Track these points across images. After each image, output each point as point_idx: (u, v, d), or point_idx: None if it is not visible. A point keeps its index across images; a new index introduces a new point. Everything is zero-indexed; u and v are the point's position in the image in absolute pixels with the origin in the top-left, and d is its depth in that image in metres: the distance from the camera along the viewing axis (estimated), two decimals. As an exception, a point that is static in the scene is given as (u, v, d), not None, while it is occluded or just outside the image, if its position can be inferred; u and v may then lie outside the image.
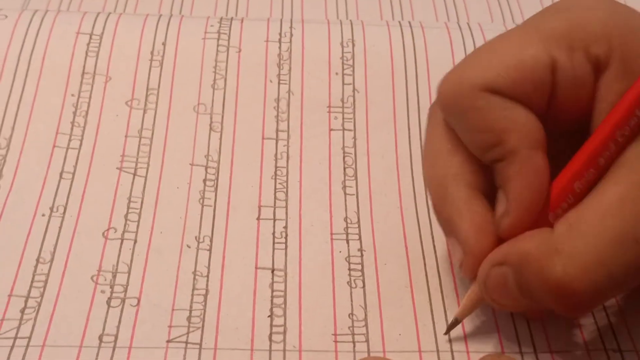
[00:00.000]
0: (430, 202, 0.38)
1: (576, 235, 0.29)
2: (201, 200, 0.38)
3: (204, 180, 0.39)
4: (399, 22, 0.46)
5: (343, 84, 0.43)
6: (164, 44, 0.44)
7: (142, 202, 0.38)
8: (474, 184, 0.33)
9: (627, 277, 0.29)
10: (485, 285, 0.32)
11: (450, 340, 0.34)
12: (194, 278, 0.35)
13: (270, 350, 0.33)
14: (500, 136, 0.31)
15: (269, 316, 0.34)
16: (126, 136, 0.40)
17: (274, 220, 0.37)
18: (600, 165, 0.30)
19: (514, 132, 0.31)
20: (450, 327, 0.34)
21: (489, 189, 0.33)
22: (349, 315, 0.34)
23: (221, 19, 0.45)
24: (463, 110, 0.31)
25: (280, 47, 0.44)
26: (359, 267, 0.36)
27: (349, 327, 0.34)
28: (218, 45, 0.44)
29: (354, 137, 0.41)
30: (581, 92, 0.31)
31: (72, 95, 0.42)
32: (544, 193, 0.31)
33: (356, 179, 0.40)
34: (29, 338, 0.32)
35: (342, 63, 0.44)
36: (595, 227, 0.29)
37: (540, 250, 0.30)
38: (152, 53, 0.43)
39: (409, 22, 0.46)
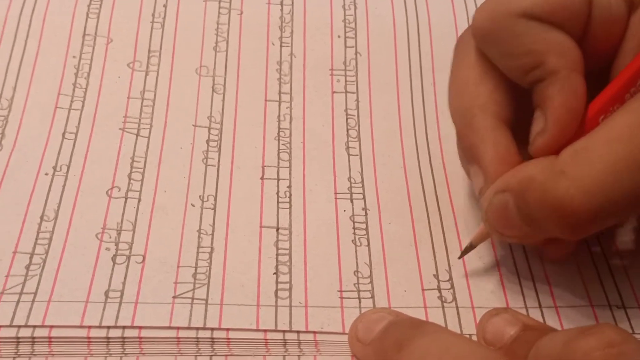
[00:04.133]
0: (433, 162, 0.39)
1: (582, 159, 0.29)
2: (205, 160, 0.38)
3: (207, 141, 0.39)
4: (400, -15, 0.46)
5: (345, 46, 0.43)
6: (165, 6, 0.44)
7: (145, 162, 0.37)
8: (500, 115, 0.33)
9: (628, 202, 0.29)
10: (487, 214, 0.32)
11: (455, 297, 0.34)
12: (199, 236, 0.35)
13: (276, 306, 0.33)
14: (540, 58, 0.31)
15: (274, 273, 0.34)
16: (128, 97, 0.40)
17: (278, 180, 0.37)
18: (626, 101, 0.31)
19: (553, 54, 0.31)
20: (465, 252, 0.34)
21: (514, 121, 0.34)
22: (354, 272, 0.34)
23: (222, -19, 0.45)
24: (501, 36, 0.32)
25: (282, 10, 0.44)
26: (364, 225, 0.36)
27: (354, 284, 0.34)
28: (220, 8, 0.44)
29: (357, 100, 0.41)
30: (614, 28, 0.32)
31: (74, 56, 0.41)
32: (581, 114, 0.31)
33: (359, 140, 0.39)
34: (35, 293, 0.32)
35: (345, 26, 0.44)
36: (601, 152, 0.29)
37: (545, 173, 0.30)
38: (153, 15, 0.43)
39: (411, -14, 0.46)
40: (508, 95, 0.33)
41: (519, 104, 0.33)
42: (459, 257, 0.34)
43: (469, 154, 0.34)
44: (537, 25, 0.31)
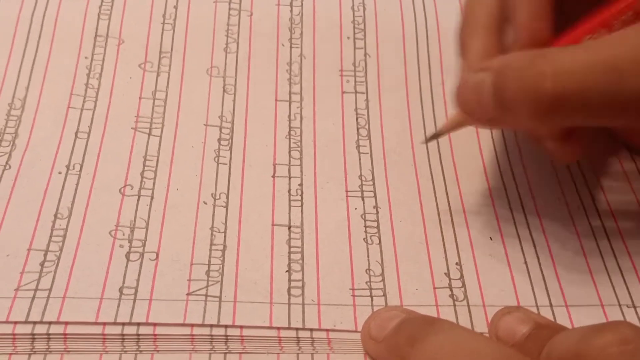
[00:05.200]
0: (443, 160, 0.39)
1: (566, 50, 0.30)
2: (216, 159, 0.38)
3: (219, 140, 0.39)
4: (409, -13, 0.47)
5: (354, 48, 0.44)
6: (175, 7, 0.44)
7: (157, 161, 0.38)
8: (500, 18, 0.35)
9: (597, 99, 0.30)
10: (461, 91, 0.33)
11: (466, 295, 0.34)
12: (212, 234, 0.35)
13: (289, 304, 0.33)
14: None
15: (286, 271, 0.34)
16: (140, 98, 0.40)
17: (289, 178, 0.38)
18: (614, 28, 0.31)
19: None
20: (431, 139, 0.36)
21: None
22: (366, 270, 0.34)
23: (232, -17, 0.45)
24: None
25: (291, 11, 0.44)
26: (375, 223, 0.36)
27: (366, 282, 0.34)
28: (230, 9, 0.44)
29: (367, 99, 0.41)
30: None
31: (86, 57, 0.42)
32: (547, 17, 0.33)
33: (370, 138, 0.40)
34: (50, 290, 0.32)
35: (354, 27, 0.44)
36: (586, 48, 0.30)
37: (527, 57, 0.31)
38: (164, 16, 0.43)
39: (419, -13, 0.47)
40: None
41: None
42: (422, 143, 0.36)
43: (460, 48, 0.35)
44: None
